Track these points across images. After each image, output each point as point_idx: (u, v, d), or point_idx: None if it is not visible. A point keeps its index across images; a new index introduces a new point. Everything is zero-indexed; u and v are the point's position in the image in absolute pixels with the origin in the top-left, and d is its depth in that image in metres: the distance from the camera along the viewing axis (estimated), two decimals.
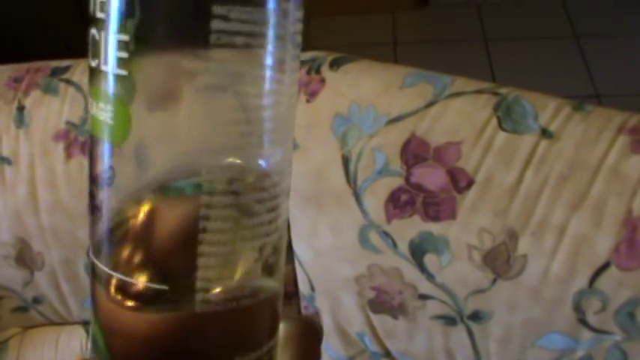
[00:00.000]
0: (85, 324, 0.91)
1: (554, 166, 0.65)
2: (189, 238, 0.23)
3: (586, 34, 2.17)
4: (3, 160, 0.82)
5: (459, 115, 0.69)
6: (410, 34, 2.29)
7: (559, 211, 0.65)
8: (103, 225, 0.25)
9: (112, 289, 0.25)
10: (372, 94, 0.71)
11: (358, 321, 0.76)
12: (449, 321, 0.71)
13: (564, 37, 2.18)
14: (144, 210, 0.24)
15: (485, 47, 2.16)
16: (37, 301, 0.90)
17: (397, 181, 0.68)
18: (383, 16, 2.32)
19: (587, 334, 0.65)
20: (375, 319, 0.75)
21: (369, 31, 2.24)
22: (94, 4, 0.23)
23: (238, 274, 0.25)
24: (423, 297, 0.71)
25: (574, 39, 2.17)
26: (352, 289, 0.74)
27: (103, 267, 0.25)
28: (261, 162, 0.26)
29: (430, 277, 0.69)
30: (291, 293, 0.80)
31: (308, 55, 0.78)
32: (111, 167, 0.24)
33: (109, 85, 0.23)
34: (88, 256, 0.26)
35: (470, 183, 0.67)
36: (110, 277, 0.25)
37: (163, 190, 0.24)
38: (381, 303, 0.73)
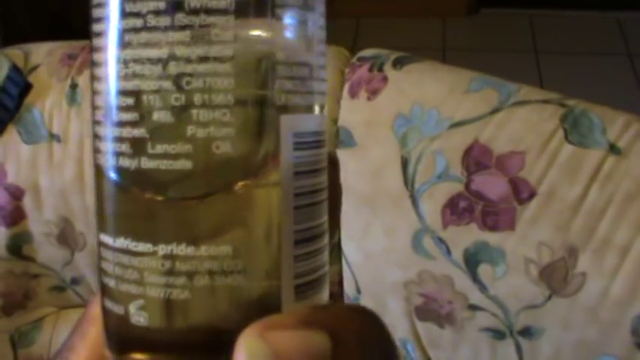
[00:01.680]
0: None
1: (621, 183, 0.63)
2: None
3: (639, 53, 2.13)
4: (52, 137, 0.81)
5: (524, 124, 0.67)
6: (459, 41, 2.27)
7: (623, 230, 0.62)
8: None
9: None
10: (436, 97, 0.69)
11: (403, 327, 0.74)
12: (497, 335, 0.69)
13: (617, 55, 2.15)
14: None
15: (536, 59, 2.13)
16: (75, 281, 0.89)
17: (456, 187, 0.67)
18: (433, 21, 2.30)
19: None
20: (421, 326, 0.73)
21: (419, 36, 2.22)
22: None
23: None
24: (473, 308, 0.69)
25: (627, 57, 2.13)
26: (400, 295, 0.72)
27: None
28: None
29: (482, 287, 0.68)
30: (336, 294, 0.79)
31: (370, 52, 0.77)
32: None
33: None
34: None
35: (532, 194, 0.65)
36: None
37: None
38: (428, 311, 0.72)
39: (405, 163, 0.69)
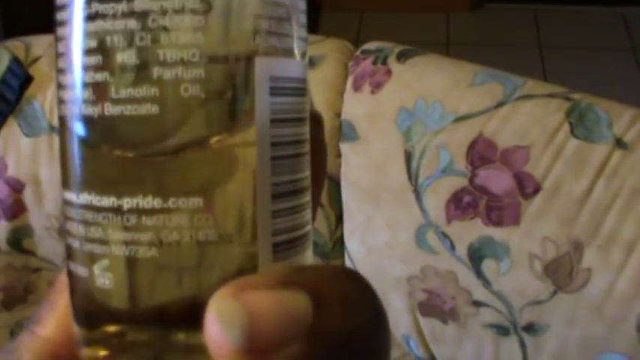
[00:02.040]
0: None
1: (627, 178, 0.62)
2: None
3: None
4: (53, 130, 0.81)
5: (529, 119, 0.66)
6: (463, 36, 2.26)
7: (629, 225, 0.62)
8: None
9: None
10: (440, 90, 0.69)
11: (405, 323, 0.74)
12: (501, 330, 0.69)
13: (622, 50, 2.14)
14: None
15: (539, 54, 2.12)
16: None
17: (461, 182, 0.66)
18: (437, 15, 2.29)
19: None
20: (424, 322, 0.73)
21: (422, 30, 2.21)
22: None
23: None
24: (477, 303, 0.68)
25: (631, 52, 2.12)
26: (403, 290, 0.71)
27: None
28: None
29: (487, 283, 0.67)
30: None
31: (374, 45, 0.76)
32: None
33: None
34: None
35: (537, 189, 0.64)
36: None
37: None
38: (431, 306, 0.71)
39: (408, 157, 0.68)
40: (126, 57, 0.20)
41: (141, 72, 0.20)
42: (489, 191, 0.65)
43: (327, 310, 0.19)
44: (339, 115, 0.72)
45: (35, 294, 0.90)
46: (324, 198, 0.73)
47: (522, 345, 0.68)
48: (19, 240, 0.86)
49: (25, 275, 0.89)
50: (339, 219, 0.74)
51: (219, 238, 0.20)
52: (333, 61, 0.75)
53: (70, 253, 0.22)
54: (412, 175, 0.68)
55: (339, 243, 0.75)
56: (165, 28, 0.20)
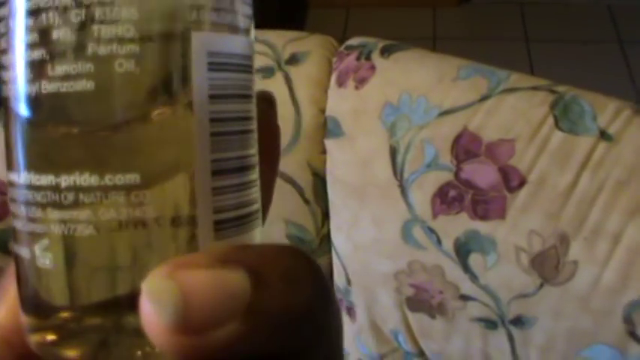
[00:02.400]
0: None
1: (612, 170, 0.62)
2: None
3: (630, 40, 2.13)
4: None
5: (514, 112, 0.66)
6: (450, 30, 2.26)
7: (615, 217, 0.62)
8: None
9: None
10: (425, 85, 0.68)
11: (394, 318, 0.74)
12: (489, 324, 0.69)
13: (608, 42, 2.14)
14: None
15: (526, 47, 2.12)
16: None
17: (446, 176, 0.66)
18: (424, 10, 2.29)
19: (636, 348, 0.62)
20: (412, 317, 0.72)
21: (409, 25, 2.21)
22: None
23: None
24: (464, 298, 0.68)
25: (618, 44, 2.12)
26: (390, 285, 0.71)
27: None
28: None
29: (473, 277, 0.67)
30: None
31: (357, 40, 0.76)
32: None
33: None
34: None
35: (522, 182, 0.64)
36: None
37: None
38: (419, 301, 0.71)
39: (393, 153, 0.68)
40: (61, 34, 0.20)
41: (76, 49, 0.20)
42: (475, 185, 0.65)
43: (267, 287, 0.18)
44: (323, 111, 0.72)
45: None
46: (309, 194, 0.73)
47: (510, 338, 0.68)
48: (4, 242, 0.85)
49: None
50: (325, 215, 0.74)
51: (157, 216, 0.20)
52: (316, 57, 0.74)
53: (15, 236, 0.21)
54: (397, 171, 0.67)
55: (325, 239, 0.75)
56: (100, 4, 0.20)
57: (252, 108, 0.22)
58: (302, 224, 0.74)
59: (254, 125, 0.23)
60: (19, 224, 0.21)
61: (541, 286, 0.64)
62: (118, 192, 0.20)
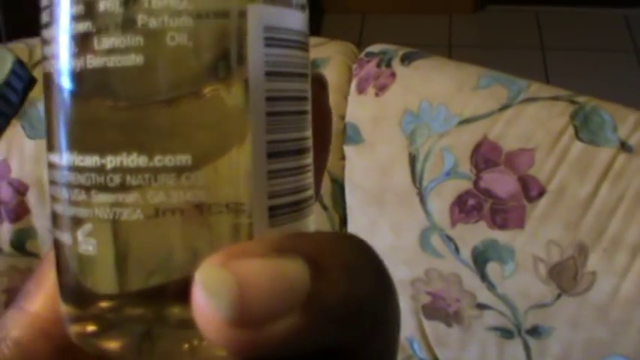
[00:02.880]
0: None
1: (632, 181, 0.62)
2: None
3: None
4: None
5: (534, 122, 0.66)
6: (466, 37, 2.26)
7: (634, 229, 0.62)
8: None
9: None
10: (445, 93, 0.69)
11: (409, 326, 0.74)
12: (505, 333, 0.69)
13: (624, 51, 2.13)
14: None
15: (542, 55, 2.12)
16: None
17: (465, 185, 0.66)
18: (439, 17, 2.29)
19: None
20: (428, 325, 0.72)
21: (425, 32, 2.21)
22: None
23: None
24: (481, 306, 0.68)
25: (634, 54, 2.12)
26: (407, 293, 0.71)
27: None
28: None
29: (491, 286, 0.67)
30: None
31: (378, 47, 0.76)
32: None
33: None
34: None
35: (541, 192, 0.64)
36: None
37: None
38: (435, 309, 0.71)
39: (412, 160, 0.68)
40: (109, 5, 0.19)
41: (125, 21, 0.19)
42: (494, 194, 0.65)
43: (327, 278, 0.17)
44: (343, 117, 0.72)
45: None
46: (327, 200, 0.73)
47: (526, 348, 0.68)
48: (22, 242, 0.86)
49: (28, 277, 0.89)
50: (343, 222, 0.74)
51: (209, 201, 0.19)
52: (336, 63, 0.75)
53: (54, 221, 0.20)
54: (416, 178, 0.68)
55: None
56: None
57: (308, 88, 0.21)
58: (320, 230, 0.74)
59: (309, 106, 0.21)
60: (60, 208, 0.20)
61: (559, 296, 0.64)
62: (168, 174, 0.19)
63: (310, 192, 0.21)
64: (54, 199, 0.20)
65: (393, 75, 0.71)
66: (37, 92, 0.82)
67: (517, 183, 0.65)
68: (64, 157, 0.20)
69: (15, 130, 0.82)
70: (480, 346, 0.71)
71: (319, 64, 0.74)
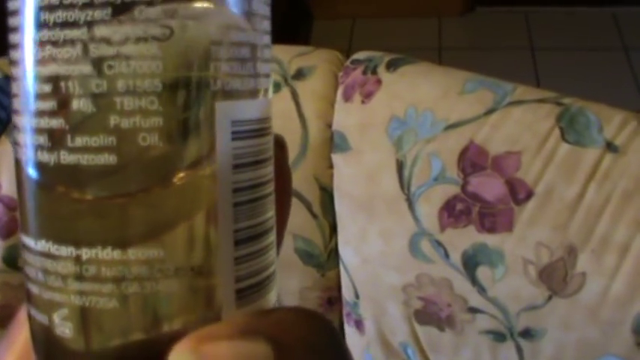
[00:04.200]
0: None
1: (618, 181, 0.63)
2: None
3: (636, 47, 2.13)
4: None
5: (520, 125, 0.66)
6: (456, 40, 2.26)
7: (622, 229, 0.62)
8: None
9: None
10: (430, 98, 0.69)
11: (402, 331, 0.74)
12: (498, 337, 0.69)
13: (613, 50, 2.14)
14: None
15: (532, 56, 2.12)
16: None
17: (453, 189, 0.66)
18: (429, 20, 2.29)
19: None
20: (421, 330, 0.73)
21: (415, 35, 2.21)
22: None
23: None
24: (473, 310, 0.68)
25: (623, 51, 2.12)
26: (398, 298, 0.71)
27: None
28: None
29: (482, 290, 0.67)
30: (335, 299, 0.78)
31: (363, 54, 0.76)
32: None
33: None
34: None
35: (529, 195, 0.64)
36: None
37: None
38: (428, 314, 0.71)
39: (400, 167, 0.68)
40: (82, 104, 0.19)
41: (97, 120, 0.19)
42: (482, 198, 0.65)
43: (289, 357, 0.19)
44: (330, 125, 0.72)
45: None
46: (317, 209, 0.73)
47: (519, 350, 0.68)
48: (14, 258, 0.86)
49: (21, 293, 0.88)
50: (333, 229, 0.74)
51: (180, 288, 0.20)
52: (323, 71, 0.75)
53: (29, 298, 0.21)
54: (404, 184, 0.68)
55: (333, 253, 0.75)
56: (121, 75, 0.19)
57: (271, 170, 0.22)
58: (310, 238, 0.74)
59: (272, 187, 0.22)
60: (35, 289, 0.21)
61: (549, 298, 0.65)
62: (141, 266, 0.20)
63: (273, 268, 0.22)
64: (29, 278, 0.21)
65: (378, 82, 0.71)
66: None
67: (504, 186, 0.65)
68: (40, 244, 0.20)
69: (4, 146, 0.82)
70: (474, 349, 0.71)
71: (305, 73, 0.74)
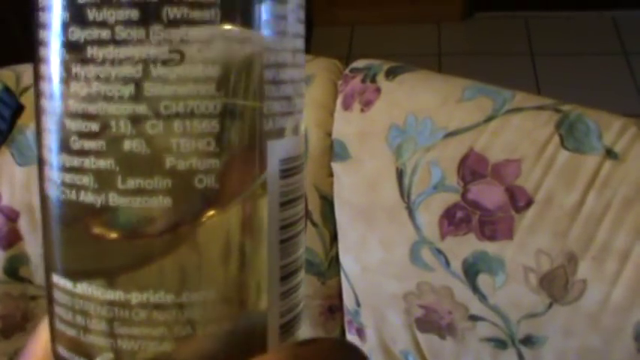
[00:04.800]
0: None
1: (618, 188, 0.63)
2: None
3: (636, 52, 2.13)
4: None
5: (519, 132, 0.66)
6: (455, 46, 2.26)
7: (622, 235, 0.62)
8: None
9: None
10: (430, 106, 0.69)
11: (403, 339, 0.74)
12: (499, 344, 0.69)
13: (613, 54, 2.14)
14: None
15: (532, 61, 2.12)
16: None
17: (453, 197, 0.66)
18: (428, 26, 2.29)
19: None
20: (422, 338, 0.72)
21: (414, 42, 2.21)
22: None
23: None
24: (474, 318, 0.68)
25: (623, 56, 2.12)
26: (399, 307, 0.71)
27: None
28: None
29: (482, 297, 0.67)
30: (336, 307, 0.78)
31: (362, 62, 0.76)
32: None
33: None
34: None
35: (529, 202, 0.64)
36: None
37: None
38: (428, 322, 0.71)
39: (400, 175, 0.68)
40: (135, 145, 0.19)
41: (152, 161, 0.19)
42: (482, 206, 0.65)
43: None
44: (329, 134, 0.72)
45: (33, 322, 0.90)
46: (317, 217, 0.73)
47: (521, 358, 0.68)
48: (15, 268, 0.86)
49: (22, 303, 0.89)
50: (334, 238, 0.74)
51: (232, 329, 0.20)
52: (322, 80, 0.75)
53: (60, 338, 0.20)
54: (404, 193, 0.68)
55: (334, 262, 0.75)
56: (178, 116, 0.19)
57: (304, 205, 0.22)
58: (310, 247, 0.74)
59: (305, 222, 0.23)
60: (71, 331, 0.20)
61: (550, 305, 0.64)
62: (194, 308, 0.19)
63: (303, 300, 0.23)
64: (60, 318, 0.20)
65: (378, 90, 0.71)
66: (25, 119, 0.83)
67: (504, 194, 0.65)
68: (80, 286, 0.20)
69: (4, 157, 0.82)
70: (475, 357, 0.71)
71: (305, 82, 0.74)
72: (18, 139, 0.82)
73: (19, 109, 0.83)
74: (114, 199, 0.19)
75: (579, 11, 2.29)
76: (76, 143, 0.19)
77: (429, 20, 2.30)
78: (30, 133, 0.81)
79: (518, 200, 0.64)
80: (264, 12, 0.20)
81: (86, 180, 0.19)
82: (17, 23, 1.69)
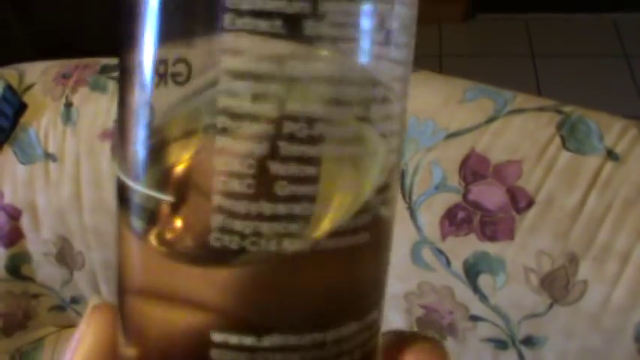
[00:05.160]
0: None
1: (619, 189, 0.63)
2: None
3: (637, 54, 2.13)
4: (48, 157, 0.81)
5: (521, 133, 0.67)
6: (456, 47, 2.26)
7: (623, 236, 0.62)
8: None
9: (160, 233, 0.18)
10: (431, 107, 0.69)
11: None
12: (500, 344, 0.69)
13: (614, 56, 2.14)
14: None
15: (533, 63, 2.13)
16: (74, 301, 0.89)
17: (454, 198, 0.66)
18: (429, 27, 2.30)
19: None
20: None
21: (415, 42, 2.21)
22: None
23: (346, 201, 0.19)
24: (474, 318, 0.69)
25: (624, 58, 2.13)
26: (400, 307, 0.72)
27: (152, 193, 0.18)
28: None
29: (483, 298, 0.67)
30: None
31: None
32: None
33: None
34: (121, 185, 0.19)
35: (530, 203, 0.64)
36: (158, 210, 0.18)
37: None
38: (429, 322, 0.71)
39: (402, 175, 0.68)
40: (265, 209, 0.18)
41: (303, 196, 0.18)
42: (483, 206, 0.65)
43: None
44: None
45: (35, 320, 0.90)
46: None
47: (521, 358, 0.69)
48: (17, 266, 0.86)
49: (24, 301, 0.89)
50: None
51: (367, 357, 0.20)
52: None
53: None
54: (406, 193, 0.68)
55: None
56: (298, 180, 0.18)
57: None
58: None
59: None
60: None
61: (551, 305, 0.65)
62: (337, 345, 0.19)
63: None
64: None
65: None
66: (28, 117, 0.83)
67: (505, 195, 0.65)
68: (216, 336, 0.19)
69: (7, 155, 0.82)
70: (475, 357, 0.71)
71: None
72: (20, 138, 0.82)
73: (21, 108, 0.83)
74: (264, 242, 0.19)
75: (580, 13, 2.29)
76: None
77: (430, 21, 2.30)
78: (32, 131, 0.82)
79: (520, 201, 0.65)
80: None
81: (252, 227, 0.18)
82: (17, 23, 1.69)
